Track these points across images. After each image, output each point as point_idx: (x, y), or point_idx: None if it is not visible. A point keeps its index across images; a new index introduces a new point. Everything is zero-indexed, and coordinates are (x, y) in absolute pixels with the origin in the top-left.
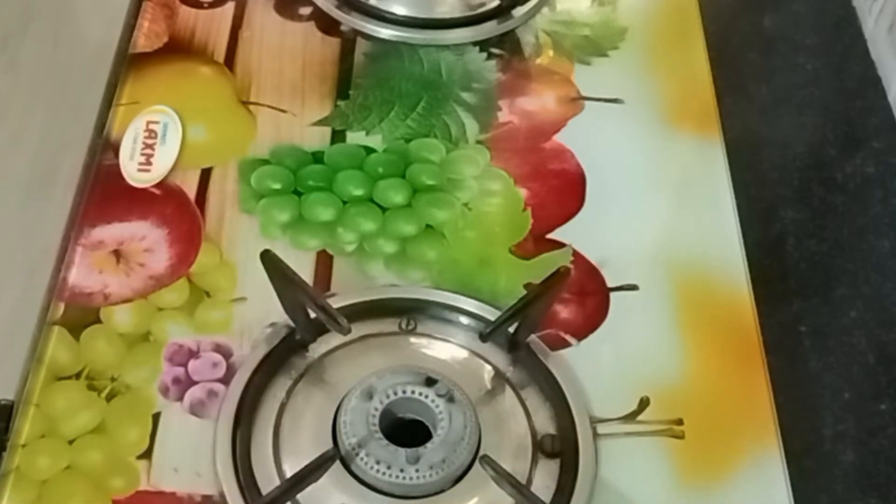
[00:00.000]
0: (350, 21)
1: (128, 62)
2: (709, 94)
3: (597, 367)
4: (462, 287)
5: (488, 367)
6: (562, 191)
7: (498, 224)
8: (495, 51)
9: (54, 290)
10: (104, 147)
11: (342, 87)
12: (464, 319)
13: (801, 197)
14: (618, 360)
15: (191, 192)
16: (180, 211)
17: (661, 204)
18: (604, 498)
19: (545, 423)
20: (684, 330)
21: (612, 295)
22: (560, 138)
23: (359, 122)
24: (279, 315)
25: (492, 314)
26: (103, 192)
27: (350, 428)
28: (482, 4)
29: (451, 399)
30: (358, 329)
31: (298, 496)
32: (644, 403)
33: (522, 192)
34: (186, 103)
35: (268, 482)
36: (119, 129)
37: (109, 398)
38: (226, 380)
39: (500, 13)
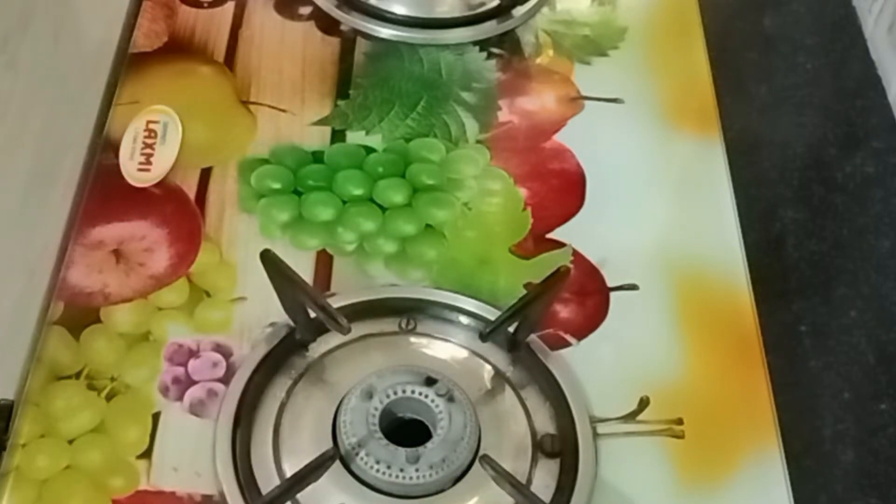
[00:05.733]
0: (350, 21)
1: (128, 62)
2: (709, 94)
3: (597, 367)
4: (462, 287)
5: (488, 367)
6: (562, 191)
7: (498, 224)
8: (495, 50)
9: (54, 290)
10: (104, 147)
11: (342, 86)
12: (464, 319)
13: (801, 197)
14: (618, 360)
15: (191, 191)
16: (180, 211)
17: (661, 204)
18: (604, 498)
19: (545, 423)
20: (684, 330)
21: (612, 295)
22: (560, 138)
23: (359, 122)
24: (279, 315)
25: (492, 314)
26: (103, 192)
27: (350, 428)
28: (482, 4)
29: (451, 399)
30: (358, 329)
31: (298, 496)
32: (644, 403)
33: (522, 192)
34: (186, 103)
35: (268, 482)
36: (119, 128)
37: (109, 398)
38: (226, 379)
39: (500, 13)
